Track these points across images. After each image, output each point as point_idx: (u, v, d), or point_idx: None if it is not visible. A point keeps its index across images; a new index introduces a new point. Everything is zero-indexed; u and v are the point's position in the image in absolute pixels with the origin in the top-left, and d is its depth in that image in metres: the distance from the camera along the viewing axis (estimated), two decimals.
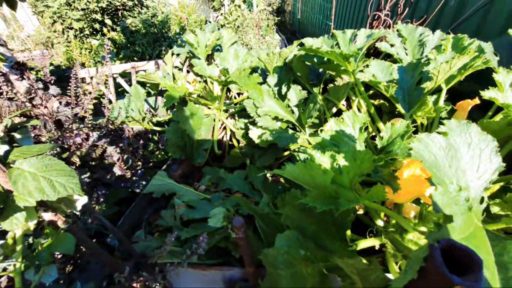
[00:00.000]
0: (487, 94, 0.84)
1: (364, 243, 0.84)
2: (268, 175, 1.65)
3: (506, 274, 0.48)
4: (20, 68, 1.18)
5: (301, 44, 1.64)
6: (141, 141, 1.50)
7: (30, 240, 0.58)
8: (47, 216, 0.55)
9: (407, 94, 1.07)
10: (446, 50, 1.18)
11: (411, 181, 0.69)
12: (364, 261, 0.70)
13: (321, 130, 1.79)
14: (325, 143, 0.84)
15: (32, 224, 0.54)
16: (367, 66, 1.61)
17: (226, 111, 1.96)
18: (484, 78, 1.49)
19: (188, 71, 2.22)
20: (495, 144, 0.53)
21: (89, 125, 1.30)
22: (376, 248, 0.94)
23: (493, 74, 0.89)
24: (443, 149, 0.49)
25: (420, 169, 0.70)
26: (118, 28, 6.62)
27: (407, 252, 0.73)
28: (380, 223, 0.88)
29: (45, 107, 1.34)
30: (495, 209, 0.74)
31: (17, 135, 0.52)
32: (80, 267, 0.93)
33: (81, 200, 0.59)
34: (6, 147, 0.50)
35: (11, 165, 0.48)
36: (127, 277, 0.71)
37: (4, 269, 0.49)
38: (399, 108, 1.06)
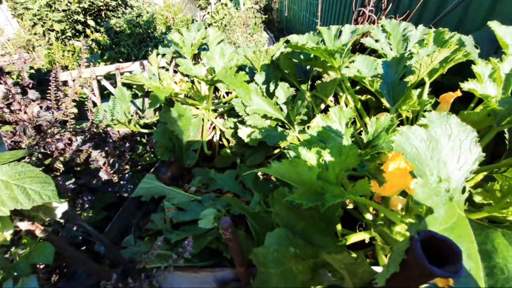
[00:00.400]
0: (466, 85, 0.86)
1: (354, 237, 0.85)
2: (259, 173, 1.65)
3: (489, 263, 0.49)
4: None
5: (288, 42, 1.64)
6: (128, 144, 1.46)
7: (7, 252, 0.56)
8: (24, 225, 0.52)
9: (391, 88, 1.09)
10: (428, 44, 1.20)
11: (396, 174, 0.70)
12: (354, 255, 0.71)
13: (308, 127, 1.80)
14: (312, 139, 0.84)
15: (8, 234, 0.51)
16: (353, 61, 1.63)
17: (215, 110, 1.94)
18: (465, 71, 1.53)
19: (175, 71, 2.18)
20: (474, 134, 0.54)
21: (71, 130, 1.26)
22: (366, 241, 0.95)
23: (472, 66, 0.92)
24: (424, 141, 0.50)
25: (405, 161, 0.71)
26: (102, 29, 6.46)
27: (394, 244, 0.74)
28: (369, 216, 0.89)
29: (25, 112, 1.29)
30: (477, 199, 0.76)
31: None
32: (66, 276, 0.90)
33: (61, 208, 0.56)
34: None
35: None
36: (114, 285, 0.69)
37: None
38: (384, 102, 1.08)
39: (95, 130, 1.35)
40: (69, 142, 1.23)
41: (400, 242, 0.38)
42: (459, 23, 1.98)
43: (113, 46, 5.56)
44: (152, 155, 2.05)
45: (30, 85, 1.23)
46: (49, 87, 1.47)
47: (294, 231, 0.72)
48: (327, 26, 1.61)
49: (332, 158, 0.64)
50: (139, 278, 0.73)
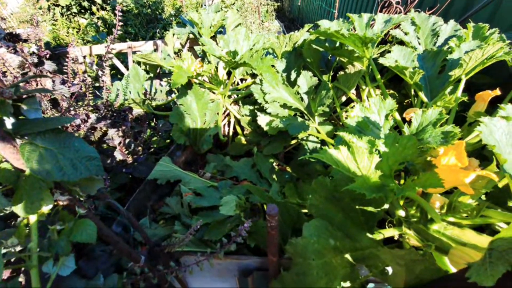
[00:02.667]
0: None
1: (386, 233, 0.82)
2: (274, 164, 1.61)
3: None
4: (13, 39, 1.06)
5: (314, 28, 1.57)
6: (144, 125, 1.41)
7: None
8: (63, 200, 0.48)
9: (428, 82, 1.04)
10: (468, 39, 1.14)
11: (446, 170, 0.66)
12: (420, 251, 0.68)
13: (331, 120, 1.75)
14: (351, 129, 0.80)
15: (47, 210, 0.47)
16: (382, 53, 1.57)
17: (229, 97, 1.88)
18: (494, 71, 1.48)
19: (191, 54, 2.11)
20: None
21: (89, 105, 1.21)
22: (395, 238, 0.92)
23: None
24: (505, 135, 0.46)
25: (455, 157, 0.67)
26: (108, 7, 6.26)
27: (434, 241, 0.71)
28: (401, 213, 0.85)
29: (40, 84, 1.23)
30: None
31: (24, 106, 0.45)
32: (85, 255, 0.87)
33: (97, 184, 0.52)
34: (12, 120, 0.42)
35: (21, 139, 0.41)
36: (142, 267, 0.66)
37: (19, 261, 0.43)
38: (422, 96, 1.03)
39: (111, 108, 1.30)
40: (86, 118, 1.18)
41: (503, 238, 0.35)
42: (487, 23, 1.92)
43: (121, 26, 5.42)
44: (161, 139, 2.00)
45: (47, 56, 1.17)
46: (60, 62, 1.40)
47: (332, 224, 0.69)
48: (343, 17, 1.54)
49: (386, 149, 0.60)
50: (169, 261, 0.70)
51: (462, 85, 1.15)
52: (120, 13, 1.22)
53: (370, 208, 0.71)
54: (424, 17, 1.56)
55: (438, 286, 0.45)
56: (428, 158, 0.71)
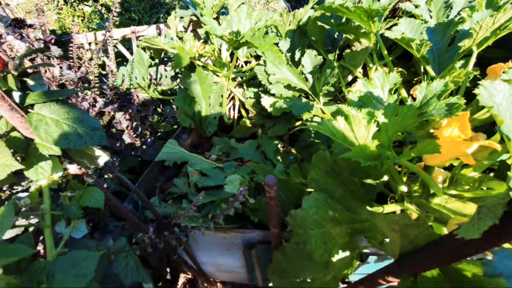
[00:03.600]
0: None
1: (387, 208, 0.83)
2: (279, 145, 1.62)
3: None
4: (19, 25, 1.08)
5: (318, 3, 1.52)
6: (149, 109, 1.44)
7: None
8: (72, 169, 0.52)
9: (437, 55, 1.00)
10: (481, 8, 1.08)
11: (448, 142, 0.65)
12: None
13: (337, 100, 1.72)
14: (352, 104, 0.79)
15: (57, 177, 0.50)
16: (390, 27, 1.50)
17: (234, 80, 1.87)
18: (507, 44, 1.40)
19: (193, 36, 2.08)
20: None
21: (96, 90, 1.23)
22: (397, 213, 0.93)
23: None
24: (506, 98, 0.45)
25: (459, 128, 0.66)
26: None
27: (436, 214, 0.71)
28: (403, 188, 0.86)
29: (48, 70, 1.26)
30: None
31: (30, 81, 0.47)
32: (99, 230, 0.92)
33: (103, 157, 0.55)
34: (19, 93, 0.45)
35: (29, 110, 0.44)
36: (151, 237, 0.70)
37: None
38: (429, 70, 1.00)
39: (117, 91, 1.33)
40: (94, 102, 1.21)
41: (493, 196, 0.35)
42: None
43: (123, 12, 5.37)
44: (167, 124, 2.03)
45: (53, 41, 1.19)
46: (67, 49, 1.42)
47: (332, 197, 0.71)
48: None
49: (385, 120, 0.60)
50: (173, 232, 0.74)
51: (473, 59, 1.10)
52: None
53: (369, 181, 0.71)
54: None
55: (431, 248, 0.46)
56: (431, 130, 0.70)
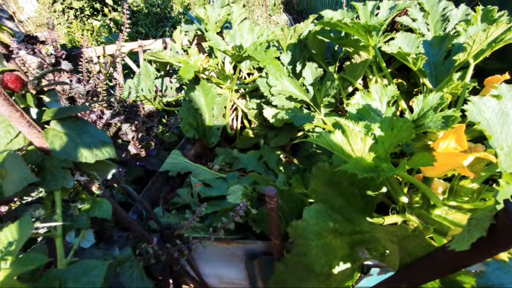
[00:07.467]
0: None
1: (388, 219, 0.84)
2: (281, 156, 1.64)
3: None
4: (31, 41, 1.14)
5: (318, 18, 1.57)
6: (155, 120, 1.48)
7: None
8: (83, 181, 0.54)
9: (434, 68, 1.03)
10: (476, 22, 1.12)
11: (445, 154, 0.67)
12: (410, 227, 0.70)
13: (347, 104, 1.74)
14: (351, 117, 0.82)
15: (68, 188, 0.53)
16: (387, 41, 1.55)
17: (237, 91, 1.91)
18: (507, 56, 1.43)
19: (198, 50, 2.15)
20: None
21: (103, 102, 1.28)
22: (398, 224, 0.94)
23: None
24: (496, 113, 0.47)
25: (455, 140, 0.68)
26: (119, 8, 6.43)
27: (436, 226, 0.72)
28: (404, 199, 0.87)
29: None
30: None
31: (46, 98, 0.50)
32: (104, 240, 0.94)
33: (112, 169, 0.58)
34: (36, 110, 0.48)
35: (45, 126, 0.47)
36: (155, 248, 0.72)
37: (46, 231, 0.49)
38: (426, 83, 1.02)
39: (124, 104, 1.37)
40: (101, 114, 1.25)
41: (481, 210, 0.36)
42: (501, 8, 1.84)
43: (131, 26, 5.56)
44: (172, 134, 2.07)
45: (63, 56, 1.25)
46: (76, 63, 1.49)
47: (332, 208, 0.72)
48: (353, 7, 1.52)
49: (382, 133, 0.62)
50: (176, 243, 0.75)
51: (470, 71, 1.13)
52: (129, 13, 1.28)
53: (368, 192, 0.72)
54: (433, 1, 1.52)
55: (427, 260, 0.46)
56: (429, 142, 0.72)
